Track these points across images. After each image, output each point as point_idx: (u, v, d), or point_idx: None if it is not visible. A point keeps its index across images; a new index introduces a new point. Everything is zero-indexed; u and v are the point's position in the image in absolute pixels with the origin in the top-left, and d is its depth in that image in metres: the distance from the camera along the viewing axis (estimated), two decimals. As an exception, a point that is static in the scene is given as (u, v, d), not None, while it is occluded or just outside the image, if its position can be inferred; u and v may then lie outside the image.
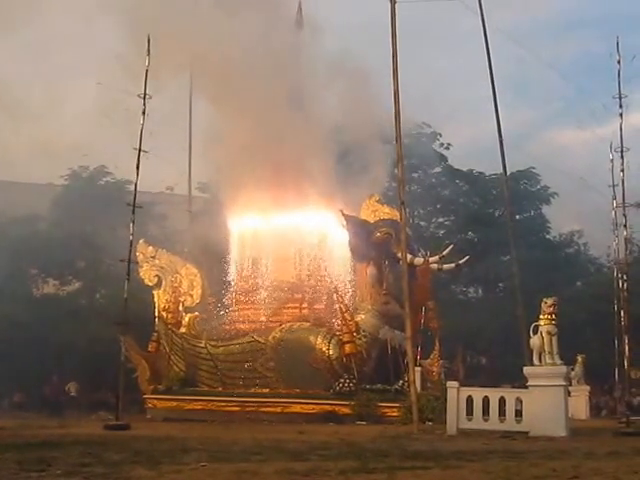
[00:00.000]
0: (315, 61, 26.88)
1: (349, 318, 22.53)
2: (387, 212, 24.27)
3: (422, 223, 39.17)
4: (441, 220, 40.34)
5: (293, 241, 24.77)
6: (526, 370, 16.49)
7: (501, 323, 31.20)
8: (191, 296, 25.62)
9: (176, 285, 25.64)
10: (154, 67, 19.08)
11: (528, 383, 16.27)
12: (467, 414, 16.31)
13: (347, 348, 22.20)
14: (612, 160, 19.48)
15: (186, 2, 25.76)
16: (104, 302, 32.65)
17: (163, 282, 25.78)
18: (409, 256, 20.33)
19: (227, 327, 24.83)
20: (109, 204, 30.67)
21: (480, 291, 39.91)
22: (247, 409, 22.38)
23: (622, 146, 18.94)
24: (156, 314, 25.40)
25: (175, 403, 23.70)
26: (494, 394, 16.59)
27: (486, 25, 25.69)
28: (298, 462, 9.81)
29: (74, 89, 35.95)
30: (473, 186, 38.68)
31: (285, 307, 24.32)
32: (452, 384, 17.14)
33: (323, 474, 8.73)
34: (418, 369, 20.39)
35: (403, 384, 20.93)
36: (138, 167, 18.72)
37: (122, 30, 24.09)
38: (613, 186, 19.70)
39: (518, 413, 16.17)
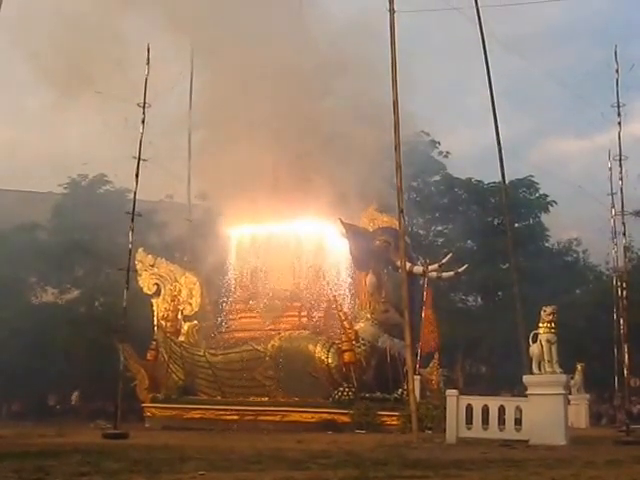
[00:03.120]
0: (315, 67, 26.92)
1: (348, 326, 22.51)
2: (386, 220, 24.26)
3: (421, 231, 39.13)
4: (440, 228, 40.31)
5: (292, 249, 24.78)
6: (526, 379, 16.47)
7: (500, 331, 31.14)
8: (190, 305, 25.60)
9: (175, 294, 25.63)
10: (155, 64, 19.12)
11: (528, 392, 16.24)
12: (467, 423, 16.28)
13: (346, 356, 22.17)
14: (611, 168, 19.54)
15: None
16: (103, 310, 32.63)
17: (162, 290, 25.78)
18: (408, 264, 20.33)
19: (226, 336, 24.82)
20: (108, 212, 30.65)
21: (479, 299, 39.86)
22: (246, 418, 22.35)
23: (620, 154, 19.00)
24: (155, 323, 25.41)
25: (174, 412, 23.65)
26: (494, 403, 16.58)
27: (484, 35, 25.82)
28: (297, 471, 9.78)
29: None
30: (472, 194, 38.69)
31: (284, 315, 24.30)
32: (451, 392, 17.10)
33: (322, 483, 8.72)
34: (417, 377, 20.31)
35: (402, 393, 20.89)
36: (137, 175, 18.73)
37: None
38: (612, 194, 19.75)
39: (518, 422, 16.14)
